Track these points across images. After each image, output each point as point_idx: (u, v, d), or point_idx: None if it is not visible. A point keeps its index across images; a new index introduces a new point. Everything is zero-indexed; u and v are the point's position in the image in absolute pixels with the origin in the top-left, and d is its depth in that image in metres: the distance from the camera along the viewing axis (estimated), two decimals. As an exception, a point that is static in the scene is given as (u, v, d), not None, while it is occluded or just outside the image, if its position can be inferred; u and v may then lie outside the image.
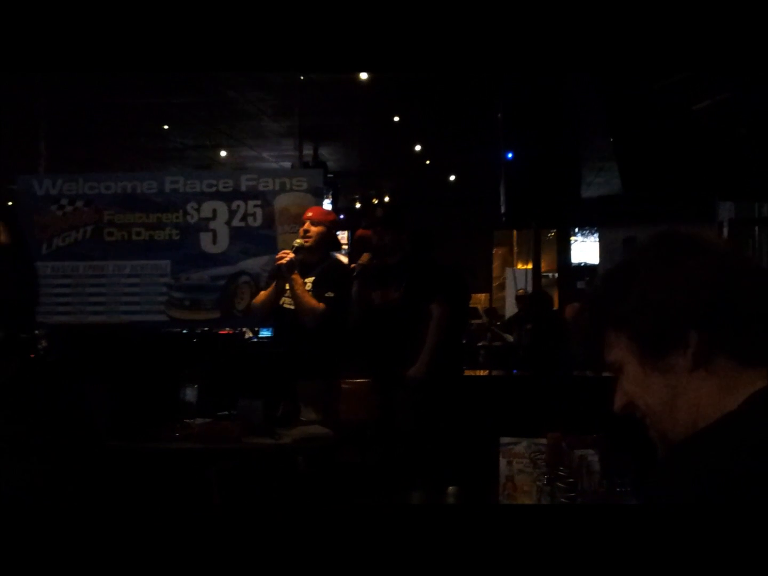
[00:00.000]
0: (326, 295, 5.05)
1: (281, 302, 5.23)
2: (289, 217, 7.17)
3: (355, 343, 5.44)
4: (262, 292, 5.39)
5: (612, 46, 3.18)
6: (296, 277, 5.06)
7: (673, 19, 3.11)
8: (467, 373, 6.84)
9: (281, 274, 5.09)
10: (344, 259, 9.57)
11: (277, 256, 5.16)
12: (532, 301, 9.11)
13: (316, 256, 5.23)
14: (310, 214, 5.31)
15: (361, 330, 5.33)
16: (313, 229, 5.21)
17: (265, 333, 9.58)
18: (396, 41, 3.11)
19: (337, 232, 5.75)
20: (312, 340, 5.06)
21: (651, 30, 3.13)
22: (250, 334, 10.27)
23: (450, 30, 3.07)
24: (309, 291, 5.10)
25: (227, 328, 7.79)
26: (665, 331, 1.32)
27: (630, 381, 1.40)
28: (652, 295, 1.33)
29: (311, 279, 5.17)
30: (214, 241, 7.32)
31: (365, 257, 5.30)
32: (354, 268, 5.37)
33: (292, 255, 5.06)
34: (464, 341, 8.01)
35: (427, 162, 13.84)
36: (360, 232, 6.63)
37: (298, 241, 5.17)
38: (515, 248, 17.03)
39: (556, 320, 8.82)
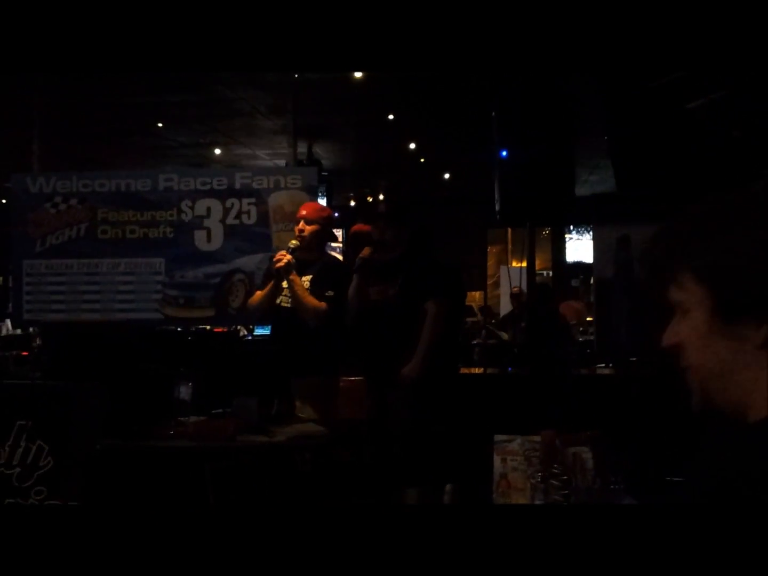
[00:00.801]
0: (327, 294, 5.08)
1: (278, 301, 5.24)
2: (284, 214, 7.17)
3: (352, 340, 5.45)
4: (258, 292, 5.39)
5: (607, 45, 3.19)
6: (295, 278, 5.07)
7: (667, 17, 3.11)
8: (462, 371, 6.84)
9: (278, 274, 5.10)
10: (340, 257, 9.57)
11: (275, 258, 5.15)
12: (534, 293, 9.12)
13: (313, 255, 5.25)
14: (304, 212, 5.30)
15: (357, 326, 5.33)
16: (308, 228, 5.22)
17: (260, 331, 9.57)
18: (392, 41, 3.11)
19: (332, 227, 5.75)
20: (310, 338, 5.07)
21: (646, 29, 3.13)
22: (245, 332, 10.26)
23: (445, 30, 3.07)
24: (307, 290, 5.12)
25: (222, 326, 7.79)
26: (748, 299, 1.24)
27: (691, 329, 1.32)
28: (744, 257, 1.24)
29: (308, 278, 5.17)
30: (209, 239, 7.31)
31: (366, 251, 5.27)
32: (355, 260, 5.33)
33: (289, 257, 5.06)
34: (460, 339, 8.01)
35: (422, 160, 13.84)
36: (356, 227, 6.62)
37: (294, 242, 5.17)
38: (510, 246, 17.05)
39: (554, 317, 8.84)
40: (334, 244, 12.89)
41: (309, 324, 5.06)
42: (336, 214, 14.86)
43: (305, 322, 5.07)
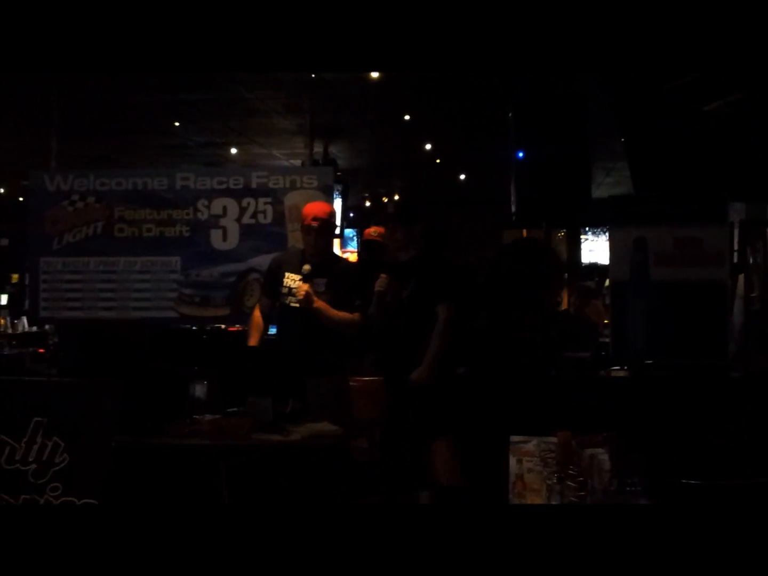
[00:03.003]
0: (356, 303, 5.13)
1: (287, 301, 5.26)
2: (300, 214, 7.18)
3: (366, 341, 5.46)
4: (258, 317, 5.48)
5: (623, 45, 3.18)
6: (319, 304, 5.11)
7: (684, 18, 3.10)
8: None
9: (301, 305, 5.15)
10: (353, 258, 9.57)
11: (297, 295, 5.15)
12: (580, 294, 9.12)
13: (324, 255, 5.30)
14: (315, 224, 5.29)
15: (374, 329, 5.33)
16: (322, 235, 5.27)
17: (274, 330, 9.56)
18: (408, 41, 3.11)
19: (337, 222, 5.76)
20: (319, 338, 5.09)
21: (662, 30, 3.13)
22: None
23: (462, 30, 3.07)
24: (324, 293, 5.16)
25: (236, 325, 7.80)
26: None
27: None
28: None
29: (324, 280, 5.20)
30: (225, 238, 7.33)
31: (382, 281, 5.17)
32: (374, 292, 5.27)
33: (306, 287, 5.09)
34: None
35: (438, 161, 13.82)
36: (367, 233, 6.60)
37: (306, 267, 5.17)
38: (525, 248, 17.00)
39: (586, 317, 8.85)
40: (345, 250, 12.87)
41: (347, 334, 5.19)
42: (351, 215, 14.91)
43: (312, 322, 5.11)
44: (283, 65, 3.55)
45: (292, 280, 5.28)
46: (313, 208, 5.47)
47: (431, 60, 3.30)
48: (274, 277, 5.44)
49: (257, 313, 5.50)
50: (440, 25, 3.05)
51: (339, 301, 5.19)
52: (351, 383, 5.40)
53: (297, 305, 5.18)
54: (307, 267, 5.17)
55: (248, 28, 3.07)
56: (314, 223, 5.29)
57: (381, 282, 5.13)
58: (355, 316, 5.16)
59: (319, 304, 5.11)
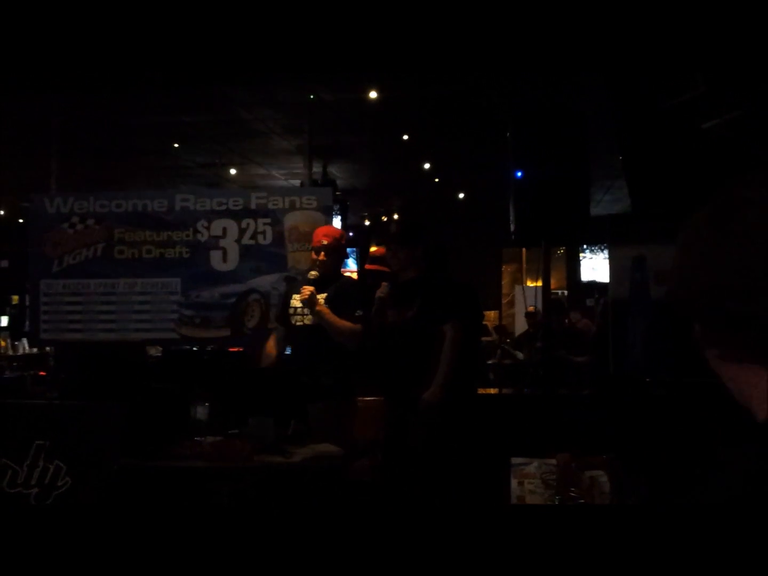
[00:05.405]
0: (356, 314, 5.10)
1: (293, 321, 5.25)
2: (299, 235, 7.19)
3: (370, 361, 5.45)
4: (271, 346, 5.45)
5: (623, 63, 3.21)
6: (321, 308, 5.09)
7: (683, 37, 3.13)
8: (478, 391, 6.81)
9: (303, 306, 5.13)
10: (354, 275, 9.56)
11: (300, 296, 5.14)
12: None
13: (330, 275, 5.29)
14: (324, 241, 5.26)
15: (376, 348, 5.32)
16: (329, 258, 5.24)
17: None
18: (405, 41, 3.13)
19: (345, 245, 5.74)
20: (327, 359, 5.08)
21: (662, 48, 3.15)
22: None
23: (459, 32, 3.09)
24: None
25: (237, 346, 7.80)
26: None
27: None
28: None
29: (323, 296, 5.19)
30: (224, 259, 7.34)
31: (383, 288, 5.22)
32: (374, 299, 5.27)
33: (311, 289, 5.07)
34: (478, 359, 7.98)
35: (436, 180, 13.86)
36: (368, 266, 6.59)
37: (313, 273, 5.17)
38: (524, 266, 17.03)
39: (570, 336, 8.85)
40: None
41: (349, 346, 5.11)
42: (350, 234, 14.94)
43: (322, 341, 5.09)
44: (281, 67, 3.56)
45: (297, 301, 5.28)
46: (323, 230, 5.50)
47: (433, 60, 3.32)
48: (285, 305, 5.44)
49: (270, 343, 5.49)
50: (441, 26, 3.07)
51: (340, 313, 5.18)
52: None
53: (303, 323, 5.18)
54: (313, 273, 5.17)
55: (245, 32, 3.09)
56: (325, 240, 5.29)
57: (383, 289, 5.16)
58: (357, 326, 5.14)
59: (321, 308, 5.09)
